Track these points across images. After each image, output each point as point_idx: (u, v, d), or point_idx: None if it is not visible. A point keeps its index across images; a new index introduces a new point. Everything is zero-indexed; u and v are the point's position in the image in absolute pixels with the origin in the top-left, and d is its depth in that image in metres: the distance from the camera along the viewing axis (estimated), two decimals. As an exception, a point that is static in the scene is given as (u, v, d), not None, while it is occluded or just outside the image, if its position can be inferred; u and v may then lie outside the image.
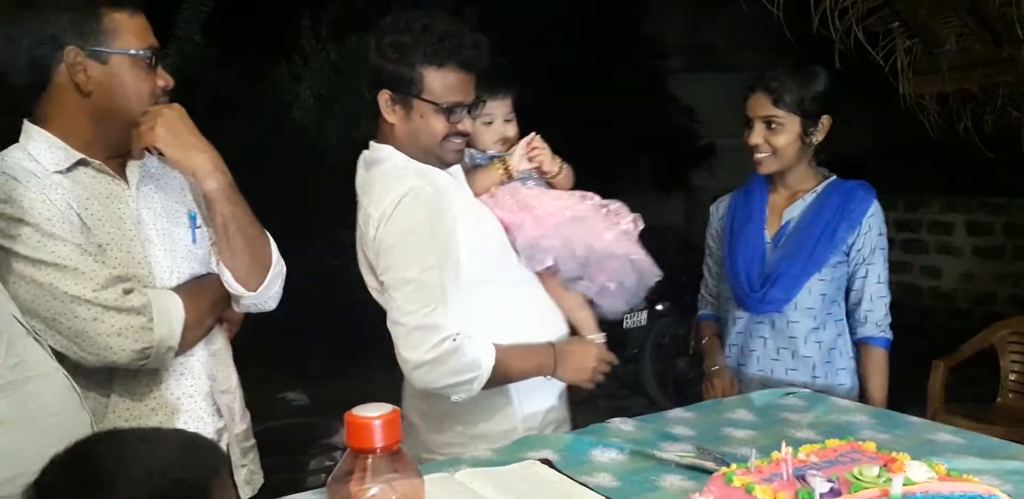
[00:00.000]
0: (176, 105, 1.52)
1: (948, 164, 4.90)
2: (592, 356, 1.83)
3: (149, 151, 1.54)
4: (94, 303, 1.39)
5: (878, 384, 2.16)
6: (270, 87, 5.16)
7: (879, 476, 1.21)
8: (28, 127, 1.50)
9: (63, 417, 1.25)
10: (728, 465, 1.30)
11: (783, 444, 1.28)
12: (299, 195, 4.75)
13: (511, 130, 1.96)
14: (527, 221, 1.84)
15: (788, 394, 1.86)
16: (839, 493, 1.19)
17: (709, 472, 1.33)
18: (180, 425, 1.54)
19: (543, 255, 1.83)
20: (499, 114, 1.94)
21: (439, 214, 1.67)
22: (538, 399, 1.84)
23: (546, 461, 1.45)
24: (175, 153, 1.48)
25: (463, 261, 1.70)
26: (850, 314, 2.17)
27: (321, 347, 4.94)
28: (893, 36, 3.54)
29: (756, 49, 4.17)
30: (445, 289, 1.64)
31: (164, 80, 1.54)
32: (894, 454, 1.30)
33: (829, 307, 2.14)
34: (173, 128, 1.48)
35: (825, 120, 2.10)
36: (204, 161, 1.49)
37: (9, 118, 1.52)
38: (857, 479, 1.21)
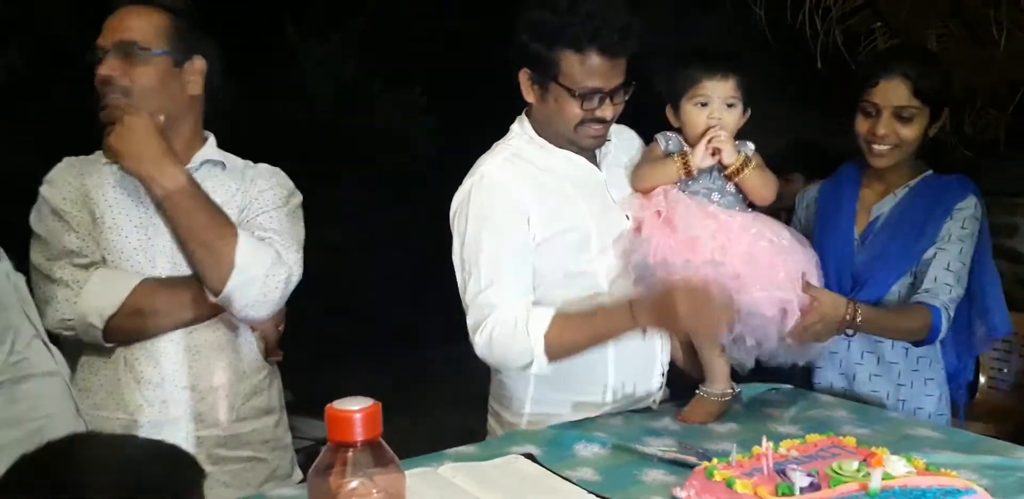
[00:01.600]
0: (140, 116, 1.55)
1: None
2: (699, 298, 1.50)
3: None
4: (39, 270, 1.55)
5: (889, 319, 1.82)
6: (254, 82, 5.13)
7: (859, 470, 1.22)
8: None
9: (53, 421, 1.25)
10: (709, 460, 1.31)
11: (764, 439, 1.29)
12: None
13: (731, 117, 1.67)
14: (655, 236, 1.62)
15: (771, 389, 1.87)
16: (819, 487, 1.20)
17: (691, 466, 1.34)
18: (114, 406, 1.58)
19: (649, 290, 1.58)
20: (715, 96, 1.67)
21: (512, 199, 1.62)
22: (546, 406, 1.74)
23: (529, 455, 1.46)
24: (128, 166, 1.55)
25: (534, 249, 1.64)
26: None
27: (306, 344, 4.92)
28: (875, 36, 3.56)
29: (738, 49, 4.18)
30: (503, 271, 1.60)
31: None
32: (874, 449, 1.31)
33: None
34: (127, 141, 1.53)
35: (946, 112, 1.90)
36: (151, 170, 1.53)
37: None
38: (837, 473, 1.22)
